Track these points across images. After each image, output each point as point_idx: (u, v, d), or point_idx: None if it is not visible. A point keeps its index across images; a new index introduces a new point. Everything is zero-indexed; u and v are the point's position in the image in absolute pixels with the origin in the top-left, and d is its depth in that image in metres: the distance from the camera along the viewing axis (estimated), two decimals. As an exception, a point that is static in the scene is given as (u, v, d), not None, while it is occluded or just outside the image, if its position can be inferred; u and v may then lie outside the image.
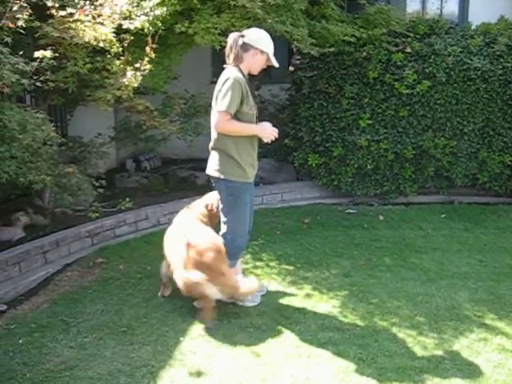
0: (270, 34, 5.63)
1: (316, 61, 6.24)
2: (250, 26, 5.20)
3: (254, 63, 3.77)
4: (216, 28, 5.13)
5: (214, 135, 3.75)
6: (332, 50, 5.82)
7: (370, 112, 6.13)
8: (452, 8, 8.43)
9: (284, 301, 4.03)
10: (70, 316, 3.75)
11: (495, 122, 6.14)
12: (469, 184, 6.37)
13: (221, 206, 3.85)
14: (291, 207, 6.35)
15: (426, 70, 6.04)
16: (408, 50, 6.13)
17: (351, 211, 6.19)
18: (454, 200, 6.47)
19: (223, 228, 3.86)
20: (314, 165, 6.32)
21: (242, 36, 3.72)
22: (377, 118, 6.14)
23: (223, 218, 3.86)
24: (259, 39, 3.74)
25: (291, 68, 7.08)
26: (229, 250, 3.78)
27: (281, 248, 5.09)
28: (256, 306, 3.93)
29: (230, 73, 3.64)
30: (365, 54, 6.10)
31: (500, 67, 6.05)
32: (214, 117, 3.66)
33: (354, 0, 6.80)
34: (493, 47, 6.17)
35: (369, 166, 6.18)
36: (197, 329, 3.60)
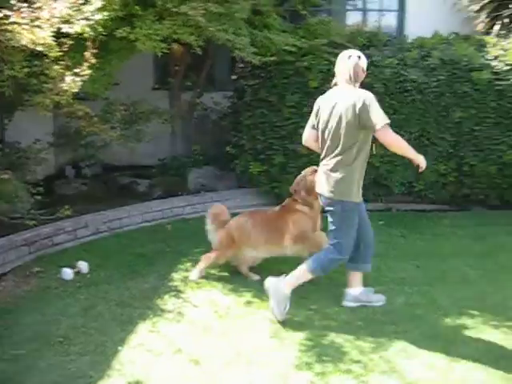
0: (212, 42, 5.72)
1: (258, 69, 6.31)
2: (191, 34, 5.24)
3: None
4: (157, 34, 5.13)
5: (338, 150, 3.69)
6: (273, 59, 5.91)
7: (311, 121, 6.23)
8: (390, 21, 8.73)
9: (225, 308, 4.05)
10: (4, 327, 3.65)
11: (430, 132, 6.35)
12: (406, 192, 6.57)
13: (331, 227, 3.86)
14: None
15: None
16: (347, 60, 6.27)
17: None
18: (392, 207, 6.66)
19: (331, 247, 3.88)
20: (255, 172, 6.38)
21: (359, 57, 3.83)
22: (317, 127, 6.24)
23: (333, 240, 3.86)
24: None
25: (234, 76, 7.14)
26: (328, 266, 3.91)
27: (222, 255, 5.10)
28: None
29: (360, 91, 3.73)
30: (305, 63, 6.20)
31: (434, 79, 6.27)
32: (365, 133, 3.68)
33: (296, 11, 6.94)
34: (427, 60, 6.40)
35: (310, 174, 6.29)
36: (136, 338, 3.57)
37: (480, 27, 7.69)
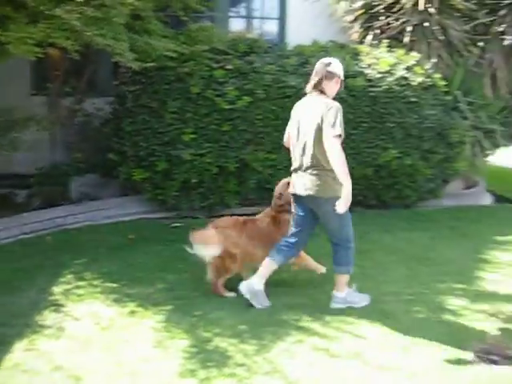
0: (93, 47, 5.56)
1: (139, 75, 6.22)
2: (67, 38, 5.06)
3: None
4: (31, 38, 4.90)
5: (313, 155, 3.93)
6: (154, 64, 5.85)
7: (194, 127, 6.24)
8: (272, 29, 8.94)
9: (107, 320, 3.94)
10: None
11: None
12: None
13: (334, 221, 4.06)
14: (116, 223, 6.24)
15: (246, 87, 6.30)
16: (229, 66, 6.35)
17: (177, 225, 6.24)
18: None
19: (336, 236, 4.17)
20: (138, 179, 6.28)
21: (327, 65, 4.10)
22: (200, 133, 6.26)
23: (335, 232, 4.15)
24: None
25: (116, 82, 6.99)
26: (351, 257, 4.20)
27: (105, 266, 4.98)
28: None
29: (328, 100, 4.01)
30: (187, 69, 6.20)
31: (312, 86, 6.49)
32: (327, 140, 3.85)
33: (177, 16, 6.91)
34: (306, 67, 6.62)
35: (194, 180, 6.29)
36: (11, 358, 3.38)
37: (355, 37, 8.06)
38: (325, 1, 8.12)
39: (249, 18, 9.12)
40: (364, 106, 6.63)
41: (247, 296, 4.17)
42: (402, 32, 7.52)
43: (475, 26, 7.66)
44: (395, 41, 7.50)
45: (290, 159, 6.44)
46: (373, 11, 7.77)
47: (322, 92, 4.10)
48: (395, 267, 5.18)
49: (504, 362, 3.54)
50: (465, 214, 7.29)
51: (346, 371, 3.32)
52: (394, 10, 7.52)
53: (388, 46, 7.22)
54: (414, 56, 7.07)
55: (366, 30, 7.91)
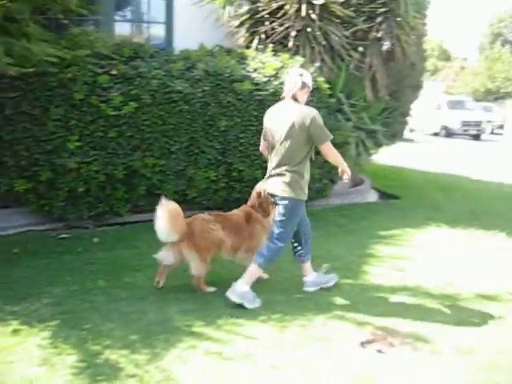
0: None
1: (18, 81, 5.90)
2: None
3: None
4: None
5: (285, 158, 4.33)
6: (33, 70, 5.59)
7: (79, 134, 6.02)
8: (159, 33, 8.84)
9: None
10: None
11: (199, 140, 6.57)
12: (180, 200, 6.67)
13: (283, 218, 4.40)
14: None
15: (132, 92, 6.19)
16: (114, 72, 6.20)
17: (65, 236, 6.01)
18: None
19: (276, 236, 4.42)
20: (21, 190, 5.96)
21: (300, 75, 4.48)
22: (86, 140, 6.06)
23: (279, 229, 4.42)
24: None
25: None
26: (274, 255, 4.45)
27: (-14, 283, 4.70)
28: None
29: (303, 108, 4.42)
30: (70, 75, 5.99)
31: (200, 90, 6.50)
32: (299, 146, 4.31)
33: (58, 20, 6.65)
34: (193, 72, 6.62)
35: (80, 189, 6.08)
36: None
37: (241, 41, 8.17)
38: (211, 5, 8.15)
39: (134, 21, 8.97)
40: (251, 109, 6.74)
41: (236, 300, 4.33)
42: (286, 37, 7.71)
43: (355, 31, 8.02)
44: (280, 45, 7.68)
45: (179, 164, 6.51)
46: (258, 16, 7.91)
47: (296, 99, 4.46)
48: (287, 267, 5.26)
49: (388, 351, 3.73)
50: (351, 212, 7.62)
51: (237, 373, 3.36)
52: (279, 15, 7.69)
53: (273, 51, 7.38)
54: (299, 60, 7.26)
55: (252, 34, 8.04)
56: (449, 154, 16.91)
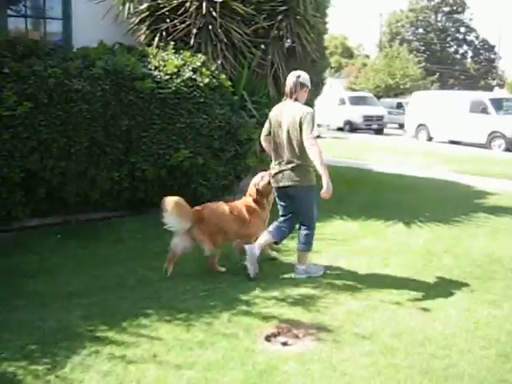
0: None
1: None
2: None
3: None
4: None
5: (292, 152, 4.80)
6: None
7: (-31, 136, 5.71)
8: (57, 30, 8.53)
9: None
10: None
11: (100, 140, 6.39)
12: (82, 202, 6.50)
13: (305, 206, 4.98)
14: None
15: (27, 92, 5.93)
16: (5, 70, 5.92)
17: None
18: (71, 219, 6.54)
19: (306, 222, 5.02)
20: None
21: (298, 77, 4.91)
22: (-22, 142, 5.76)
23: (305, 216, 5.01)
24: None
25: None
26: (311, 239, 5.06)
27: None
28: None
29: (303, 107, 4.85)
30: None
31: (99, 89, 6.34)
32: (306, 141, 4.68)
33: None
34: (92, 70, 6.44)
35: (-26, 194, 5.77)
36: None
37: (142, 39, 8.04)
38: (111, 2, 7.95)
39: (30, 17, 8.60)
40: (153, 107, 6.65)
41: (247, 259, 4.90)
42: (188, 34, 7.67)
43: (256, 29, 8.10)
44: (182, 43, 7.63)
45: (80, 166, 6.31)
46: (159, 13, 7.81)
47: (296, 99, 4.87)
48: (192, 265, 5.28)
49: (293, 342, 3.82)
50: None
51: (141, 376, 3.31)
52: (179, 12, 7.64)
53: (175, 48, 7.32)
54: (201, 58, 7.26)
55: (153, 32, 7.93)
56: (352, 148, 17.49)
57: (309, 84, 4.99)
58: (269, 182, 5.19)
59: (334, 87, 29.46)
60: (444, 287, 4.92)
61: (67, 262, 5.29)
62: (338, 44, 70.93)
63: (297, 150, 4.80)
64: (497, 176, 11.97)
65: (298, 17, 8.24)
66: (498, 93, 38.73)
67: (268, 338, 3.84)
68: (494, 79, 60.28)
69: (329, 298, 4.56)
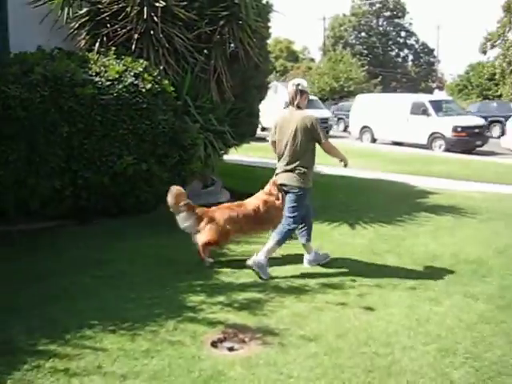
0: None
1: None
2: None
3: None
4: None
5: (293, 156, 5.21)
6: None
7: None
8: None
9: None
10: None
11: (40, 148, 6.24)
12: (22, 211, 6.33)
13: (294, 205, 5.27)
14: None
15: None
16: None
17: None
18: (12, 230, 6.35)
19: (290, 220, 5.28)
20: None
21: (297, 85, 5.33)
22: None
23: (292, 214, 5.28)
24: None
25: None
26: (287, 235, 5.32)
27: None
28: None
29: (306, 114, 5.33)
30: None
31: (38, 95, 6.19)
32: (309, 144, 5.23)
33: None
34: (30, 76, 6.28)
35: None
36: None
37: (82, 44, 7.90)
38: (49, 6, 7.77)
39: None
40: (95, 114, 6.54)
41: (255, 268, 5.18)
42: (129, 39, 7.59)
43: (199, 34, 8.09)
44: (123, 48, 7.54)
45: (19, 174, 6.14)
46: (99, 18, 7.70)
47: (298, 106, 5.29)
48: (137, 273, 5.23)
49: (239, 347, 3.82)
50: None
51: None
52: (120, 17, 7.55)
53: (116, 54, 7.23)
54: (143, 63, 7.19)
55: (94, 37, 7.80)
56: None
57: (308, 90, 5.39)
58: None
59: (279, 91, 29.59)
60: (387, 286, 5.03)
61: (7, 274, 5.13)
62: (283, 48, 71.63)
63: (299, 153, 5.21)
64: (437, 175, 12.35)
65: (240, 22, 8.27)
66: (437, 95, 39.94)
67: (214, 344, 3.84)
68: (433, 82, 62.14)
69: (275, 301, 4.59)
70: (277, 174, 5.47)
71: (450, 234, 6.94)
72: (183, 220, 5.53)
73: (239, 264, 5.48)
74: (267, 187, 5.78)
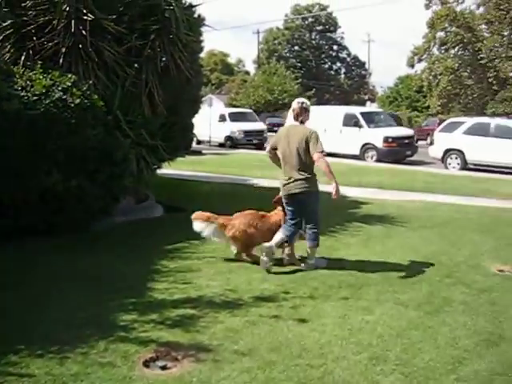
0: None
1: None
2: None
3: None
4: None
5: (301, 166, 5.78)
6: None
7: None
8: None
9: None
10: None
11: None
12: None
13: (313, 208, 5.94)
14: None
15: None
16: None
17: None
18: None
19: (314, 222, 5.96)
20: None
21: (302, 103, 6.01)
22: None
23: (313, 216, 5.95)
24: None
25: None
26: (318, 235, 6.03)
27: None
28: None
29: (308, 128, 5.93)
30: None
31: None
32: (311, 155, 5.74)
33: None
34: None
35: None
36: None
37: (7, 57, 7.64)
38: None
39: None
40: (21, 129, 6.33)
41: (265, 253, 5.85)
42: (57, 53, 7.41)
43: (129, 48, 8.00)
44: (51, 62, 7.35)
45: None
46: (24, 31, 7.49)
47: (301, 122, 5.93)
48: (66, 293, 5.07)
49: (172, 365, 3.77)
50: (137, 229, 7.57)
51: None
52: (47, 30, 7.37)
53: (43, 68, 7.03)
54: (71, 77, 7.03)
55: (19, 50, 7.57)
56: (234, 164, 17.66)
57: (310, 108, 6.01)
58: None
59: (214, 104, 29.67)
60: (320, 297, 5.09)
61: None
62: (218, 61, 71.91)
63: (305, 162, 5.78)
64: (369, 185, 12.66)
65: (171, 36, 8.24)
66: (369, 107, 41.12)
67: (146, 364, 3.77)
68: (365, 94, 63.91)
69: (208, 316, 4.55)
70: (285, 185, 5.91)
71: (381, 243, 7.12)
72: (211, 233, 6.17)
73: (173, 280, 5.43)
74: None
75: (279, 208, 6.23)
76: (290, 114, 6.05)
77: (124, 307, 4.73)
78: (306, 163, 5.80)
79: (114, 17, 7.67)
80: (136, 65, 8.19)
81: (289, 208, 5.96)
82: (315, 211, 5.96)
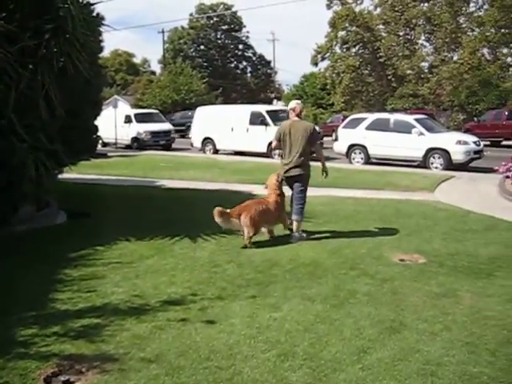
0: None
1: None
2: None
3: None
4: None
5: (301, 153, 7.23)
6: None
7: None
8: None
9: None
10: None
11: None
12: None
13: (302, 187, 7.37)
14: None
15: None
16: None
17: None
18: None
19: (302, 199, 7.39)
20: None
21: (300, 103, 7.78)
22: None
23: (302, 194, 7.37)
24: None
25: None
26: (303, 211, 7.46)
27: None
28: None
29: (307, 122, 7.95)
30: None
31: None
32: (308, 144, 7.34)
33: None
34: None
35: None
36: None
37: None
38: None
39: None
40: None
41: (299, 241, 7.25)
42: None
43: (22, 48, 7.61)
44: None
45: None
46: None
47: (301, 118, 7.51)
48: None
49: (76, 379, 3.62)
50: (39, 237, 7.24)
51: None
52: None
53: None
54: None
55: None
56: (140, 165, 17.31)
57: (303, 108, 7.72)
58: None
59: (120, 105, 28.97)
60: (228, 297, 5.08)
61: None
62: (122, 61, 70.42)
63: (303, 151, 7.20)
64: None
65: (68, 35, 7.92)
66: (276, 105, 41.69)
67: (47, 380, 3.60)
68: (272, 92, 64.76)
69: (114, 325, 4.42)
70: (287, 170, 7.31)
71: (287, 239, 7.21)
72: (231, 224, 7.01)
73: (77, 289, 5.24)
74: (273, 184, 7.43)
75: (270, 191, 7.44)
76: (291, 113, 7.51)
77: (24, 321, 4.50)
78: (303, 152, 7.20)
79: (4, 15, 7.27)
80: (31, 66, 7.81)
81: (290, 187, 7.46)
82: (304, 190, 7.35)
